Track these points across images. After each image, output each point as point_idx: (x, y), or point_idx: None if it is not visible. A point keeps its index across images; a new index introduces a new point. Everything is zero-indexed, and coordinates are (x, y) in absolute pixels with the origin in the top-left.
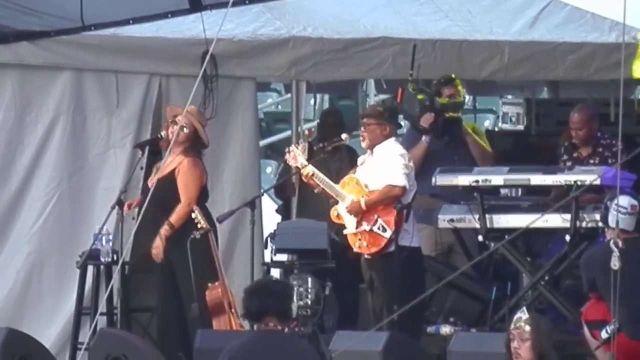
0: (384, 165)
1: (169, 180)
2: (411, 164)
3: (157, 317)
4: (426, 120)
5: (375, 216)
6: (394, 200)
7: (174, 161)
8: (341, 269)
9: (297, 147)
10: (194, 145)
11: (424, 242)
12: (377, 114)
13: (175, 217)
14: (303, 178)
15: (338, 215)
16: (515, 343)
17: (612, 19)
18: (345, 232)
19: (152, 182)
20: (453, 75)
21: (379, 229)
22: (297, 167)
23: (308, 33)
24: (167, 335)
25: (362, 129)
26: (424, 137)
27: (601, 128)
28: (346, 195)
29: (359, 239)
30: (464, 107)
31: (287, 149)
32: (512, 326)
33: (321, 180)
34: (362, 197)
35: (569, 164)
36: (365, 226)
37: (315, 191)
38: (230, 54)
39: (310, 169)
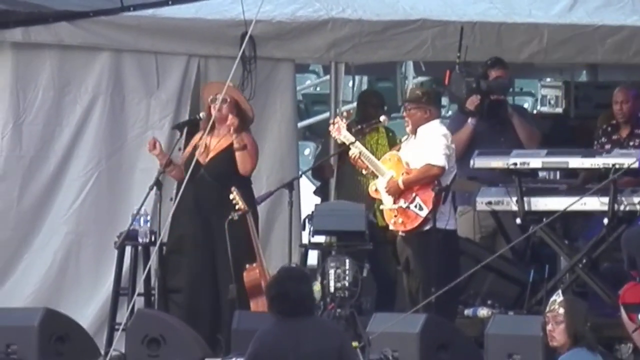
0: (426, 144)
1: (226, 157)
2: (453, 145)
3: (185, 297)
4: (472, 102)
5: (414, 194)
6: (432, 180)
7: (227, 137)
8: (379, 251)
9: (341, 119)
10: (242, 122)
11: (468, 225)
12: (416, 98)
13: (244, 155)
14: (351, 160)
15: (376, 190)
16: (549, 326)
17: None
18: (382, 207)
19: (205, 157)
20: (501, 58)
21: (415, 207)
22: (339, 145)
23: (347, 15)
24: (195, 315)
25: (405, 114)
26: (470, 120)
27: None
28: (386, 171)
29: (395, 216)
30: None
31: (331, 121)
32: (547, 309)
33: (365, 156)
34: (402, 175)
35: (607, 146)
36: (402, 203)
37: (364, 172)
38: (269, 35)
39: (357, 149)
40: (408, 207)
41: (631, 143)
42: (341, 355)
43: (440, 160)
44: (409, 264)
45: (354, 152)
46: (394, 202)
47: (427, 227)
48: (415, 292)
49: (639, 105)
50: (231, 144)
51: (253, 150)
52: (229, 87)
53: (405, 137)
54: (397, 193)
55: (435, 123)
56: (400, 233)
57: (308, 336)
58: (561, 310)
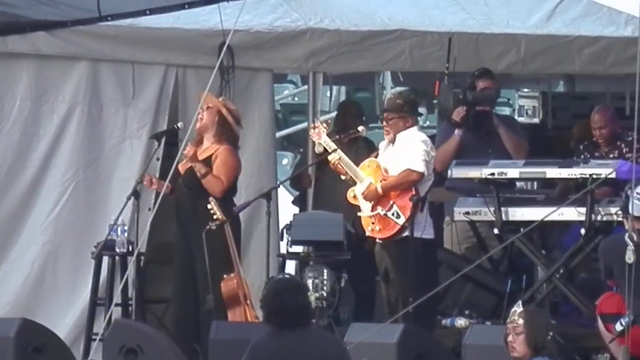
0: (405, 150)
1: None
2: (433, 152)
3: (173, 307)
4: (457, 113)
5: (391, 202)
6: (411, 186)
7: (209, 148)
8: (357, 261)
9: (322, 124)
10: (224, 131)
11: (455, 234)
12: (397, 107)
13: (207, 182)
14: (330, 165)
15: (355, 197)
16: (510, 337)
17: (628, 13)
18: (360, 214)
19: (183, 168)
20: (488, 69)
21: (393, 214)
22: (318, 155)
23: (325, 25)
24: (183, 326)
25: (384, 123)
26: (456, 131)
27: (622, 126)
28: (364, 178)
29: (373, 223)
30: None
31: (312, 125)
32: (507, 320)
33: (345, 162)
34: (380, 181)
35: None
36: (380, 210)
37: (343, 178)
38: (247, 45)
39: (336, 155)
40: (385, 215)
41: (611, 155)
42: None
43: (420, 166)
44: (388, 273)
45: (333, 157)
46: (372, 209)
47: (403, 235)
48: (395, 302)
49: (616, 125)
50: (209, 156)
51: (224, 169)
52: (217, 99)
53: (384, 143)
54: (375, 198)
55: (414, 130)
56: (377, 241)
57: (307, 346)
58: (520, 321)
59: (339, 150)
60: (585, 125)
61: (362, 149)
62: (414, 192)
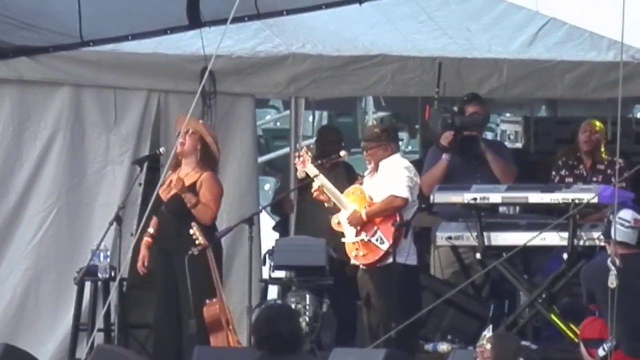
0: (389, 177)
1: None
2: (417, 179)
3: (155, 333)
4: (445, 138)
5: (375, 228)
6: (395, 212)
7: (190, 175)
8: (339, 286)
9: (307, 153)
10: (206, 158)
11: (443, 259)
12: (375, 136)
13: (198, 211)
14: (313, 192)
15: (339, 223)
16: None
17: (610, 38)
18: (343, 240)
19: (167, 194)
20: (477, 94)
21: (377, 240)
22: (299, 180)
23: (307, 50)
24: (165, 351)
25: (365, 153)
26: (444, 155)
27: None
28: (348, 205)
29: (357, 249)
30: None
31: (297, 153)
32: (477, 344)
33: (328, 189)
34: (364, 208)
35: (569, 179)
36: (363, 236)
37: (326, 205)
38: (229, 70)
39: (319, 181)
40: (369, 241)
41: (594, 179)
42: None
43: (404, 192)
44: (370, 298)
45: (316, 184)
46: (356, 235)
47: (387, 262)
48: (376, 327)
49: (602, 139)
50: (193, 183)
51: (211, 196)
52: (198, 123)
53: (367, 171)
54: (359, 224)
55: (397, 157)
56: (361, 266)
57: None
58: (488, 346)
59: (321, 177)
60: (569, 150)
61: (342, 174)
62: (397, 218)
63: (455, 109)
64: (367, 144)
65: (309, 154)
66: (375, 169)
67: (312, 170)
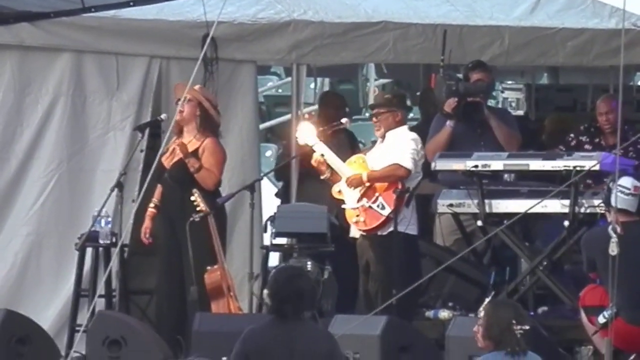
0: (394, 148)
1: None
2: (422, 151)
3: (158, 299)
4: (449, 105)
5: (376, 194)
6: (397, 180)
7: (192, 142)
8: (341, 253)
9: (308, 123)
10: (207, 123)
11: (445, 227)
12: (386, 102)
13: (201, 176)
14: (313, 162)
15: (339, 192)
16: (475, 327)
17: (612, 5)
18: (344, 206)
19: (170, 162)
20: (482, 61)
21: (378, 206)
22: (301, 147)
23: (309, 17)
24: (167, 317)
25: (375, 119)
26: (448, 122)
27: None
28: (350, 173)
29: (357, 215)
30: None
31: (299, 125)
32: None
33: (329, 158)
34: (365, 171)
35: (588, 147)
36: (364, 202)
37: (322, 177)
38: (230, 37)
39: (320, 151)
40: (370, 207)
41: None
42: None
43: (408, 163)
44: (369, 266)
45: (317, 154)
46: (357, 202)
47: (388, 229)
48: (374, 295)
49: (623, 113)
50: (196, 150)
51: (214, 161)
52: (196, 89)
53: (370, 144)
54: (359, 185)
55: (404, 129)
56: (361, 233)
57: (300, 339)
58: (482, 313)
59: (321, 145)
60: (556, 119)
61: (344, 142)
62: (399, 186)
63: (460, 76)
64: (378, 110)
65: (309, 124)
66: (383, 137)
67: (311, 140)
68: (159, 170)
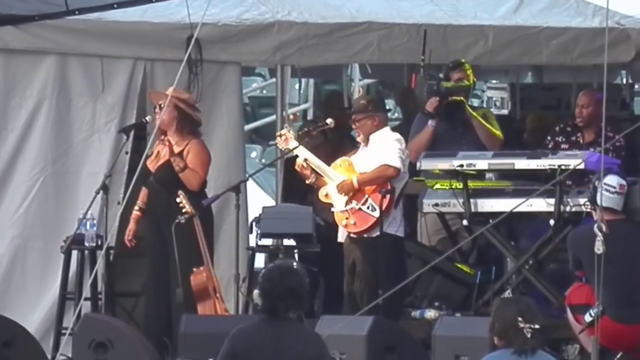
0: (380, 149)
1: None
2: (406, 150)
3: (145, 301)
4: (431, 104)
5: (366, 196)
6: (387, 181)
7: (176, 144)
8: (328, 253)
9: (288, 131)
10: (185, 123)
11: (430, 225)
12: (363, 108)
13: (185, 176)
14: (296, 167)
15: (327, 195)
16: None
17: (595, 4)
18: (333, 209)
19: (155, 165)
20: (463, 60)
21: (368, 208)
22: (286, 150)
23: (293, 17)
24: (154, 320)
25: (354, 125)
26: (430, 122)
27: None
28: (336, 176)
29: (347, 218)
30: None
31: (278, 133)
32: None
33: (313, 162)
34: (354, 176)
35: (565, 146)
36: (354, 204)
37: (307, 182)
38: (215, 38)
39: (301, 155)
40: (360, 209)
41: (591, 150)
42: None
43: (397, 162)
44: (355, 266)
45: (300, 159)
46: (346, 204)
47: (378, 231)
48: (361, 296)
49: (600, 111)
50: (181, 151)
51: (199, 162)
52: (170, 93)
53: (355, 149)
54: (350, 191)
55: (387, 130)
56: (351, 235)
57: (289, 340)
58: (492, 308)
59: (303, 149)
60: (537, 117)
61: (348, 148)
62: (388, 187)
63: (441, 75)
64: (356, 116)
65: (290, 131)
66: (365, 142)
67: (293, 145)
68: (144, 173)
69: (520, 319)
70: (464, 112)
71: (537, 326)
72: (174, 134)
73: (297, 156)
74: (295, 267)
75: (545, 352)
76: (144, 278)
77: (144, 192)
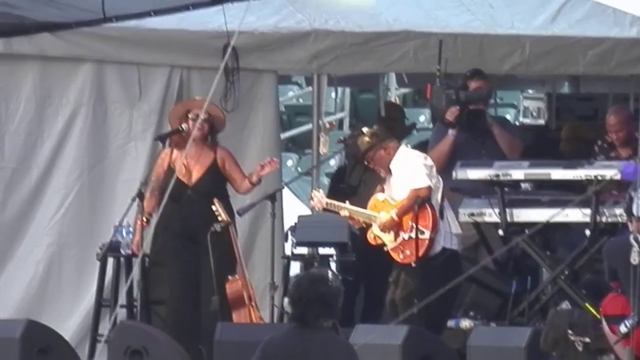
0: (404, 174)
1: (212, 175)
2: (429, 162)
3: (171, 309)
4: (451, 113)
5: (410, 223)
6: (424, 203)
7: (205, 154)
8: (370, 261)
9: (317, 192)
10: (213, 135)
11: (465, 236)
12: (368, 145)
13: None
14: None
15: (375, 237)
16: None
17: (633, 14)
18: (386, 249)
19: (187, 178)
20: (480, 69)
21: (416, 233)
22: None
23: (329, 26)
24: (180, 326)
25: (370, 165)
26: (450, 131)
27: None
28: (377, 215)
29: (401, 251)
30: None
31: (310, 196)
32: None
33: (355, 212)
34: (391, 210)
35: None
36: (403, 235)
37: (357, 227)
38: (251, 46)
39: (345, 212)
40: (410, 237)
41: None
42: None
43: (424, 181)
44: (400, 277)
45: (343, 214)
46: (395, 239)
47: (437, 250)
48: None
49: (633, 126)
50: (213, 160)
51: (238, 167)
52: (212, 110)
53: (380, 183)
54: (394, 226)
55: (402, 151)
56: (413, 265)
57: (318, 349)
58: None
59: (345, 207)
60: (573, 127)
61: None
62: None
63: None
64: (367, 156)
65: (320, 191)
66: (388, 172)
67: (331, 204)
68: (180, 187)
69: (570, 331)
70: (485, 121)
71: (587, 340)
72: (200, 143)
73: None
74: (325, 274)
75: None
76: (170, 286)
77: (148, 202)
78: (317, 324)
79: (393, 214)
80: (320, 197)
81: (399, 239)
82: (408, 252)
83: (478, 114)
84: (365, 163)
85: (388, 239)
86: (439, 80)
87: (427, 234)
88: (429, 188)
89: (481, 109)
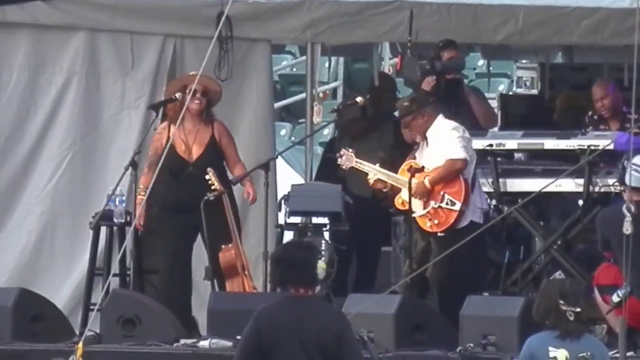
0: (441, 143)
1: (212, 150)
2: (466, 134)
3: (164, 278)
4: (428, 83)
5: (442, 192)
6: (457, 174)
7: (202, 130)
8: (364, 231)
9: (347, 150)
10: (209, 108)
11: None
12: (407, 110)
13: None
14: (371, 185)
15: (403, 202)
16: None
17: None
18: (414, 215)
19: (187, 155)
20: (453, 39)
21: (447, 203)
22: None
23: None
24: (171, 294)
25: (407, 130)
26: None
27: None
28: (406, 180)
29: (430, 219)
30: (474, 70)
31: (338, 154)
32: None
33: (385, 175)
34: (425, 177)
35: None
36: (433, 204)
37: (385, 190)
38: (245, 15)
39: (373, 174)
40: (440, 207)
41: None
42: (341, 341)
43: (461, 153)
44: (424, 253)
45: (372, 178)
46: (424, 207)
47: (464, 222)
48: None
49: (620, 97)
50: (211, 136)
51: (234, 143)
52: (209, 84)
53: (416, 147)
54: (425, 194)
55: (440, 120)
56: (439, 234)
57: (310, 317)
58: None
59: (373, 167)
60: (567, 97)
61: (389, 130)
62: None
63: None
64: (404, 120)
65: (349, 150)
66: (424, 140)
67: (361, 166)
68: (181, 164)
69: (561, 301)
70: (462, 90)
71: (578, 309)
72: (196, 117)
73: (347, 151)
74: (306, 243)
75: (592, 337)
76: (165, 257)
77: (146, 177)
78: (286, 288)
79: (426, 181)
80: (349, 156)
81: (429, 207)
82: (436, 222)
83: (456, 83)
84: (402, 125)
85: (417, 206)
86: (410, 51)
87: (457, 206)
88: (465, 160)
89: (458, 78)
